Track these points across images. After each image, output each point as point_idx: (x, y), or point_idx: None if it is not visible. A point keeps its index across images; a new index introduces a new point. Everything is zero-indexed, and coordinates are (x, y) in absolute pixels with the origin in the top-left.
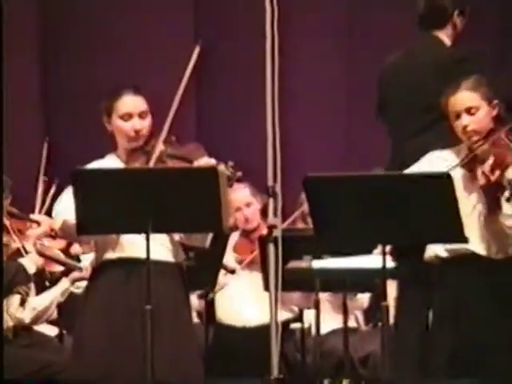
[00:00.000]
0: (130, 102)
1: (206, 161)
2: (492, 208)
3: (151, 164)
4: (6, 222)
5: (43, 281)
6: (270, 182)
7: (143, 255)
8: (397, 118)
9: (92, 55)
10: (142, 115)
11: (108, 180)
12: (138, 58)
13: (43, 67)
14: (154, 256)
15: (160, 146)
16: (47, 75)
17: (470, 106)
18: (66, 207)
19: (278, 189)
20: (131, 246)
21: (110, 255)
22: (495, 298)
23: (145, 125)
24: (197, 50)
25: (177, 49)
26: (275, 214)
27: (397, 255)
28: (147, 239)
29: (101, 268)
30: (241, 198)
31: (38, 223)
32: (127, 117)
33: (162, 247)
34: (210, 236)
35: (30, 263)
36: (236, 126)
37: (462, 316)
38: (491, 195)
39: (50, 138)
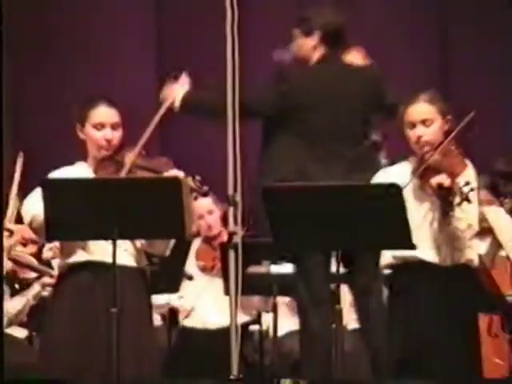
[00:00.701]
0: (104, 113)
1: (175, 173)
2: (446, 213)
3: (123, 174)
4: None
5: (14, 285)
6: (231, 191)
7: (108, 259)
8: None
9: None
10: (114, 126)
11: (75, 189)
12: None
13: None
14: (118, 261)
15: (131, 157)
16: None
17: (426, 117)
18: (34, 205)
19: (238, 198)
20: (97, 250)
21: (77, 258)
22: (441, 303)
23: (116, 135)
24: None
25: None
26: (235, 222)
27: (348, 262)
28: (113, 245)
29: (68, 271)
30: (203, 206)
31: (11, 232)
32: (100, 126)
33: (125, 253)
34: (171, 245)
35: None
36: (198, 136)
37: (411, 320)
38: (445, 201)
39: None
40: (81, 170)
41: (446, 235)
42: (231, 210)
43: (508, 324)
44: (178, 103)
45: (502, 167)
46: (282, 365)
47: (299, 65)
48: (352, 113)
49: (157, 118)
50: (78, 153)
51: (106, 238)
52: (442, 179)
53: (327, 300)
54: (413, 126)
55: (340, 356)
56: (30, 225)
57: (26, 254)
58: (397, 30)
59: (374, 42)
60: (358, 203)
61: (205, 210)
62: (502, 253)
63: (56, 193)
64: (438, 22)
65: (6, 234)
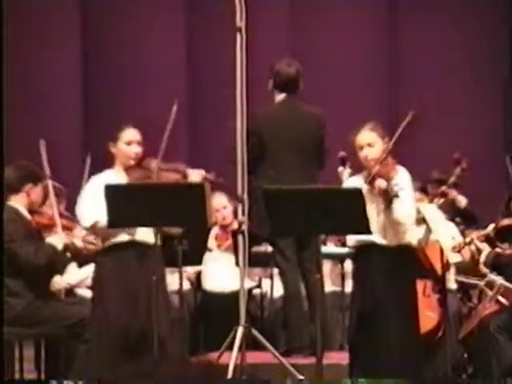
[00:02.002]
0: (132, 133)
1: (197, 172)
2: (387, 206)
3: (154, 176)
4: (58, 220)
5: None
6: (239, 192)
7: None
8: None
9: None
10: (138, 143)
11: (131, 192)
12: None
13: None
14: (149, 239)
15: (157, 162)
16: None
17: (369, 141)
18: (93, 210)
19: (245, 196)
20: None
21: (119, 239)
22: (390, 273)
23: (140, 150)
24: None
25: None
26: (243, 214)
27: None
28: (156, 231)
29: (111, 248)
30: (220, 203)
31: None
32: (129, 143)
33: (151, 234)
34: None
35: (57, 241)
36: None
37: (368, 285)
38: (384, 198)
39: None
40: (112, 176)
41: (389, 223)
42: (240, 206)
43: (436, 287)
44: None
45: (436, 175)
46: (276, 318)
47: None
48: (305, 146)
49: (168, 130)
50: None
51: (152, 226)
52: (380, 183)
53: (296, 266)
54: (361, 148)
55: (320, 315)
56: (94, 227)
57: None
58: None
59: None
60: (333, 201)
61: (221, 205)
62: (432, 236)
63: (117, 195)
64: None
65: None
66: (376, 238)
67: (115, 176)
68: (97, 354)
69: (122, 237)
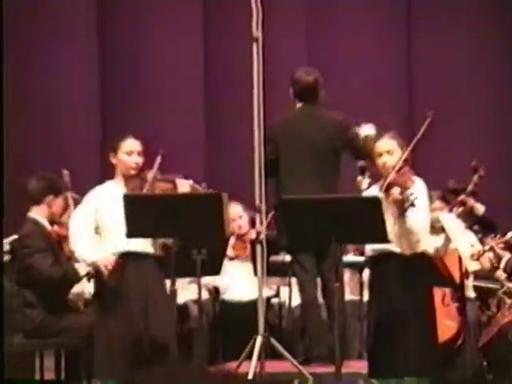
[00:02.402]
0: (132, 143)
1: (185, 181)
2: (401, 215)
3: (146, 186)
4: None
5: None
6: (257, 202)
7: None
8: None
9: None
10: (139, 153)
11: (147, 203)
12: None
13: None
14: (149, 250)
15: (153, 173)
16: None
17: (388, 149)
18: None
19: (263, 207)
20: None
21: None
22: (405, 282)
23: (140, 160)
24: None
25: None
26: (261, 224)
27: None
28: (174, 242)
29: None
30: (235, 212)
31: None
32: (130, 153)
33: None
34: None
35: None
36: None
37: (384, 294)
38: (399, 207)
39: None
40: (113, 187)
41: (402, 232)
42: (258, 216)
43: (455, 296)
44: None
45: (452, 185)
46: (295, 327)
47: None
48: (324, 155)
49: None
50: None
51: (168, 237)
52: (396, 191)
53: (315, 277)
54: (380, 155)
55: (339, 324)
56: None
57: None
58: None
59: None
60: (352, 210)
61: (236, 215)
62: (452, 245)
63: (135, 206)
64: None
65: None
66: (392, 246)
67: (116, 186)
68: (108, 366)
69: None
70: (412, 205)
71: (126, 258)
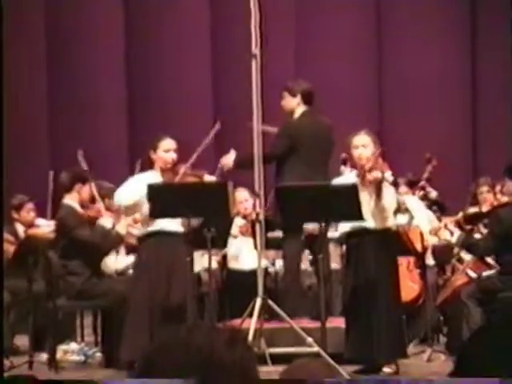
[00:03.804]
0: (169, 142)
1: (210, 178)
2: (378, 195)
3: (176, 179)
4: (106, 213)
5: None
6: (257, 188)
7: (171, 229)
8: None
9: None
10: (175, 150)
11: (169, 189)
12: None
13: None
14: (177, 229)
15: (185, 168)
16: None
17: (363, 143)
18: (129, 191)
19: (262, 192)
20: (168, 223)
21: (154, 228)
22: (377, 251)
23: (175, 156)
24: (217, 127)
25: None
26: (260, 207)
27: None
28: (189, 220)
29: (148, 236)
30: (242, 196)
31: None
32: (167, 151)
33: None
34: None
35: (106, 222)
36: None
37: (359, 263)
38: (378, 188)
39: None
40: (152, 177)
41: (379, 210)
42: (257, 200)
43: (418, 263)
44: (231, 165)
45: (409, 177)
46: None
47: (293, 120)
48: (325, 148)
49: (204, 143)
50: None
51: (187, 217)
52: (377, 174)
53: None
54: (356, 147)
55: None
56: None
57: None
58: None
59: None
60: (334, 194)
61: (243, 198)
62: (414, 222)
63: (157, 192)
64: None
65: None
66: (366, 222)
67: (154, 177)
68: (137, 324)
69: (157, 226)
70: (391, 183)
71: (158, 235)
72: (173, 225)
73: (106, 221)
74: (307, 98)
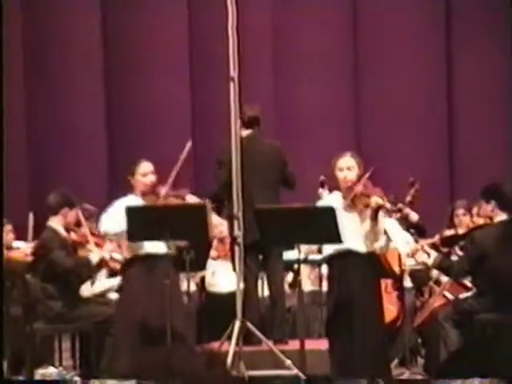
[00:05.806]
0: (146, 165)
1: (193, 197)
2: (374, 219)
3: (160, 201)
4: (91, 238)
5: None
6: (235, 211)
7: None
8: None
9: None
10: (152, 173)
11: (148, 212)
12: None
13: None
14: (161, 251)
15: (165, 190)
16: None
17: (349, 165)
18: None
19: (240, 215)
20: (150, 246)
21: (138, 252)
22: (358, 274)
23: (154, 178)
24: (188, 146)
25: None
26: (239, 229)
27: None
28: (166, 244)
29: (132, 260)
30: (217, 220)
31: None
32: (145, 175)
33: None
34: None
35: (94, 256)
36: None
37: (342, 284)
38: (375, 212)
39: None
40: (134, 200)
41: (373, 234)
42: (235, 223)
43: (395, 285)
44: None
45: (391, 199)
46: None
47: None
48: (268, 170)
49: (180, 162)
50: None
51: (162, 240)
52: (378, 199)
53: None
54: (341, 170)
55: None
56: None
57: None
58: None
59: None
60: (312, 217)
61: (218, 222)
62: (392, 244)
63: (136, 215)
64: None
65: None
66: (350, 245)
67: (135, 201)
68: (121, 346)
69: (143, 250)
70: (398, 210)
71: (144, 258)
72: (158, 248)
73: (93, 256)
74: (248, 122)
